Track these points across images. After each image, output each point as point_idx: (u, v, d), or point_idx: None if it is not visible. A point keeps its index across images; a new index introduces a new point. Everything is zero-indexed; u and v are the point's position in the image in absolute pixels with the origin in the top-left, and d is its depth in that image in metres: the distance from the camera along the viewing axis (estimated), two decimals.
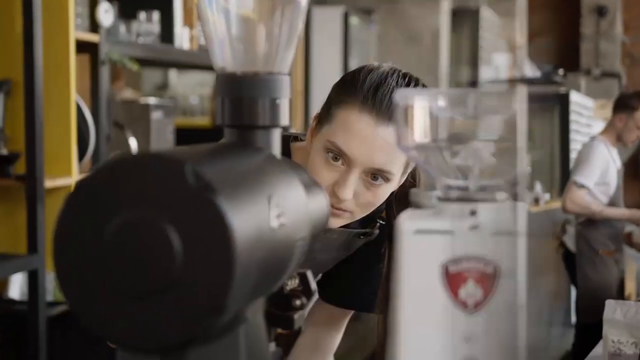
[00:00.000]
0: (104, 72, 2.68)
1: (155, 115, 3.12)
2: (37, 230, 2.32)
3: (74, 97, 2.49)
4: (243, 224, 0.61)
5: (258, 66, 0.79)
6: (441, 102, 0.70)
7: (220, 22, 0.79)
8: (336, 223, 1.29)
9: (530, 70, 6.14)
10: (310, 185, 0.84)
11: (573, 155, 7.02)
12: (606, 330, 1.94)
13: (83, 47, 2.63)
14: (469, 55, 7.27)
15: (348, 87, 1.26)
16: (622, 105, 4.28)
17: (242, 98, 0.77)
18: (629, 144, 4.36)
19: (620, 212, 4.29)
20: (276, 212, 0.68)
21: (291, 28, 0.80)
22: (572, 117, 6.96)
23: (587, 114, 7.49)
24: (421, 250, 0.67)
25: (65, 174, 2.45)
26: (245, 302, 0.66)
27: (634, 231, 4.61)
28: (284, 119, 0.79)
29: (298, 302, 0.87)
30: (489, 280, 0.66)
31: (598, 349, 2.17)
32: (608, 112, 8.32)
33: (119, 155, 0.64)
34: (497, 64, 5.87)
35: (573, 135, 7.02)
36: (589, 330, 4.09)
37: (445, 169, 0.71)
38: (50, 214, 2.36)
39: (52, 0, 2.44)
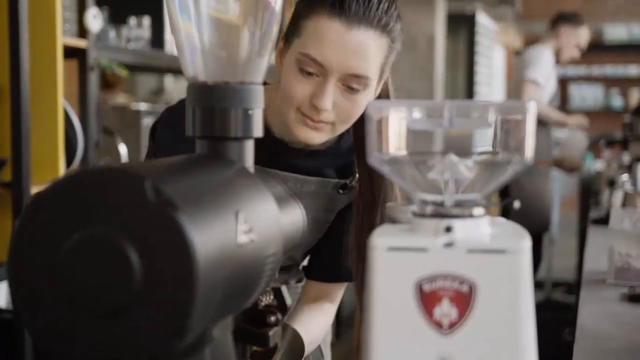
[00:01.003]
0: (93, 78, 2.65)
1: (147, 121, 3.09)
2: None
3: (62, 103, 2.46)
4: (206, 241, 0.59)
5: (230, 75, 0.77)
6: (416, 114, 0.67)
7: (192, 30, 0.76)
8: (317, 138, 1.27)
9: None
10: (285, 198, 0.82)
11: (477, 78, 7.05)
12: (612, 242, 1.81)
13: (71, 52, 2.61)
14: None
15: None
16: (568, 19, 4.30)
17: (213, 108, 0.75)
18: (564, 61, 4.37)
19: (565, 117, 4.39)
20: (244, 227, 0.66)
21: (264, 35, 0.78)
22: (477, 39, 6.97)
23: (490, 37, 7.52)
24: (394, 268, 0.65)
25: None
26: (210, 322, 0.64)
27: (566, 157, 4.66)
28: (257, 130, 0.77)
29: (273, 318, 0.84)
30: (464, 299, 0.64)
31: (599, 265, 1.99)
32: (509, 37, 8.37)
33: (78, 169, 0.61)
34: None
35: (476, 58, 7.04)
36: None
37: (421, 183, 0.68)
38: None
39: (39, 5, 2.41)
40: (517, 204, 0.69)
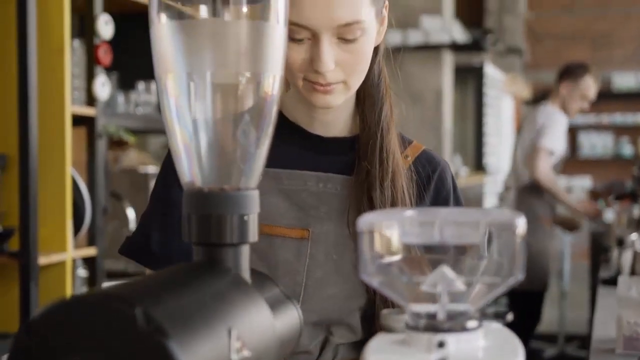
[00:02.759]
0: (101, 145, 2.67)
1: None
2: (30, 309, 2.30)
3: (70, 171, 2.48)
4: None
5: (226, 181, 0.77)
6: (408, 227, 0.67)
7: (188, 137, 0.77)
8: (334, 100, 1.18)
9: (460, 35, 5.98)
10: (280, 300, 0.82)
11: (486, 129, 7.08)
12: (620, 310, 1.77)
13: (80, 120, 2.64)
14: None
15: None
16: (568, 73, 4.30)
17: (209, 215, 0.75)
18: (572, 115, 4.31)
19: (576, 202, 4.31)
20: (238, 344, 0.66)
21: (261, 135, 0.79)
22: (485, 90, 7.01)
23: (499, 87, 7.57)
24: None
25: (60, 250, 2.43)
26: None
27: (565, 217, 4.58)
28: (254, 235, 0.77)
29: None
30: None
31: (609, 332, 1.92)
32: (517, 87, 8.43)
33: (68, 296, 0.62)
34: (426, 28, 5.61)
35: (484, 109, 7.09)
36: (524, 298, 4.08)
37: (413, 292, 0.68)
38: (44, 291, 2.34)
39: (48, 73, 2.45)
40: (510, 317, 0.69)
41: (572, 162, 10.15)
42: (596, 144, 10.17)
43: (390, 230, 0.67)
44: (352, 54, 1.16)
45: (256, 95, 0.78)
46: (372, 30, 1.19)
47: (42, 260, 2.36)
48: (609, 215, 5.57)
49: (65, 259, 2.45)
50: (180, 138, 0.78)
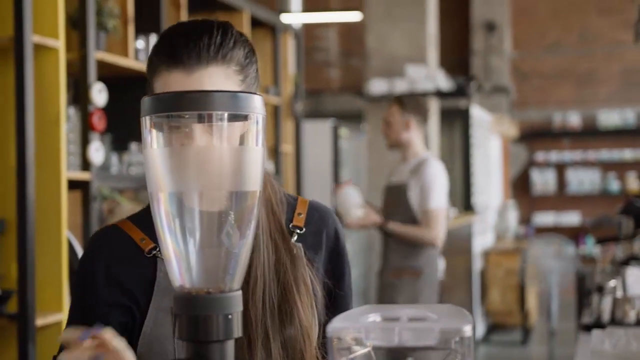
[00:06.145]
0: (95, 208, 2.77)
1: None
2: None
3: (65, 234, 2.57)
4: None
5: (213, 283, 0.87)
6: (372, 332, 0.77)
7: (178, 249, 0.87)
8: None
9: (444, 82, 6.13)
10: None
11: (474, 169, 7.20)
12: None
13: (75, 184, 2.74)
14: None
15: (151, 54, 1.25)
16: None
17: (197, 317, 0.85)
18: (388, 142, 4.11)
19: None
20: None
21: (242, 243, 0.89)
22: (471, 131, 7.16)
23: (486, 127, 7.72)
24: None
25: (57, 310, 2.52)
26: None
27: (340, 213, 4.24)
28: (238, 331, 0.87)
29: None
30: None
31: None
32: (503, 126, 8.57)
33: None
34: (411, 77, 5.75)
35: (472, 150, 7.23)
36: None
37: None
38: (41, 351, 2.42)
39: (45, 141, 2.55)
40: None
41: (561, 198, 10.30)
42: (584, 180, 10.31)
43: (356, 335, 0.77)
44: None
45: (239, 208, 0.88)
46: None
47: (39, 321, 2.44)
48: (596, 250, 5.65)
49: (61, 319, 2.54)
50: (171, 247, 0.88)
